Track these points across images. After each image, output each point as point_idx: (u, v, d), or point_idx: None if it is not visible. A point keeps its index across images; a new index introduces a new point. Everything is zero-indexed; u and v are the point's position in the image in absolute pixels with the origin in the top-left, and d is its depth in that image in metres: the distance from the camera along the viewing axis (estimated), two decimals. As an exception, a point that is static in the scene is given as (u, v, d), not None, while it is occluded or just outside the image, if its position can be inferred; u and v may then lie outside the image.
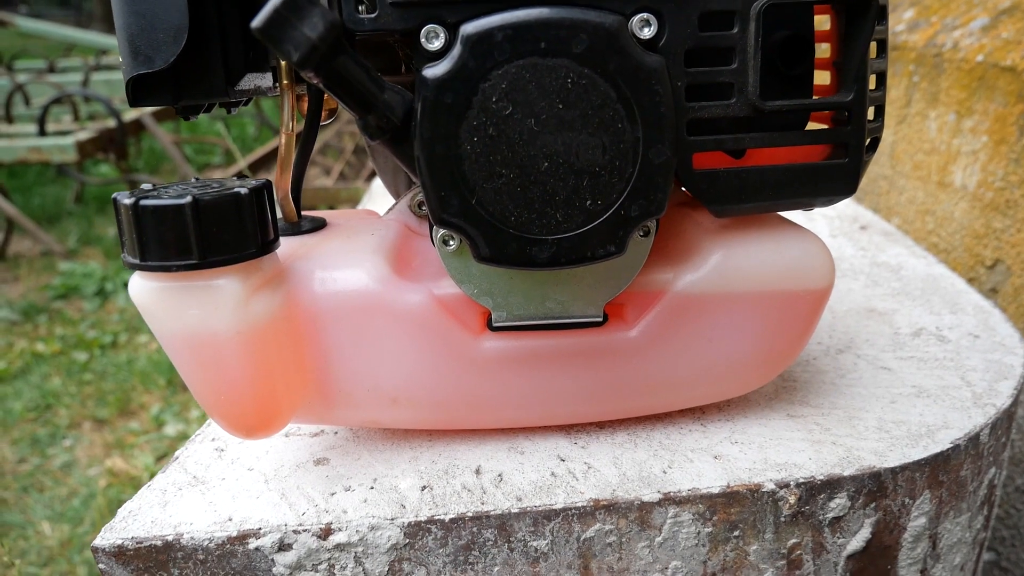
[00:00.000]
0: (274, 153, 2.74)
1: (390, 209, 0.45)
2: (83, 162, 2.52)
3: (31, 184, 3.20)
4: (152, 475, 1.32)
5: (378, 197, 0.96)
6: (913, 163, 0.87)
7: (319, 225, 0.41)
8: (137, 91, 0.34)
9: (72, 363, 1.77)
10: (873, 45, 0.37)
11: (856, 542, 0.39)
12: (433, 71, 0.30)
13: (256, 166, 2.59)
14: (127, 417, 1.56)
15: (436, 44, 0.31)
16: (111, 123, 2.51)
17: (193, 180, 0.35)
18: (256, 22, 0.26)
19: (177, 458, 0.42)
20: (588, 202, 0.32)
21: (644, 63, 0.31)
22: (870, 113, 0.37)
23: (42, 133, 2.38)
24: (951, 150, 0.80)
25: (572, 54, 0.30)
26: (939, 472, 0.39)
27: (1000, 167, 0.73)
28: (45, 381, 1.69)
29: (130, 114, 2.64)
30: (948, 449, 0.39)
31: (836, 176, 0.36)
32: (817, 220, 0.76)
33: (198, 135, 3.66)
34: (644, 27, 0.32)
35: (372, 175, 2.64)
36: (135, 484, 1.31)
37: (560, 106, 0.31)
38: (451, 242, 0.35)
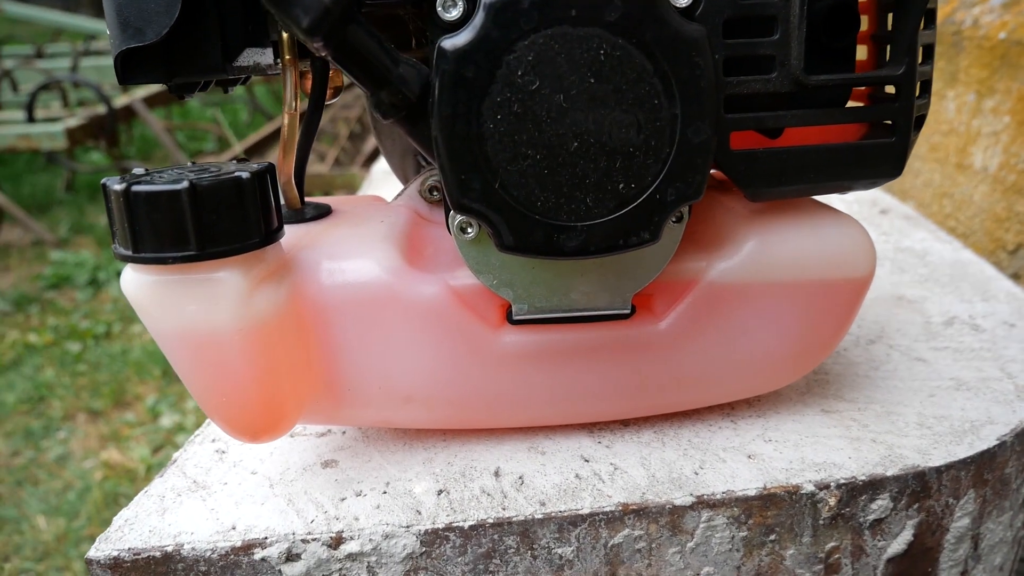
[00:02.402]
0: (268, 139, 2.70)
1: (398, 195, 0.42)
2: (73, 149, 2.48)
3: (20, 172, 3.15)
4: (148, 467, 1.30)
5: (378, 183, 0.93)
6: (930, 145, 0.84)
7: (324, 212, 0.39)
8: (127, 67, 0.31)
9: (65, 354, 1.74)
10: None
11: (897, 545, 0.37)
12: (453, 42, 0.28)
13: (250, 152, 2.55)
14: (122, 408, 1.53)
15: (454, 13, 0.29)
16: (101, 109, 2.46)
17: (190, 164, 0.33)
18: (260, -17, 0.23)
19: (176, 461, 0.39)
20: (620, 185, 0.29)
21: (684, 33, 0.28)
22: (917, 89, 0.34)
23: (31, 120, 2.33)
24: (971, 131, 0.78)
25: (605, 23, 0.27)
26: (984, 470, 0.37)
27: None
28: (38, 372, 1.67)
29: (121, 100, 2.59)
30: (994, 446, 0.37)
31: (881, 157, 0.34)
32: (834, 203, 0.74)
33: (190, 121, 3.61)
34: (680, -6, 0.29)
35: (368, 161, 2.60)
36: (131, 477, 1.28)
37: (591, 80, 0.28)
38: (469, 230, 0.33)
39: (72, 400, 1.55)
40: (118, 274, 2.08)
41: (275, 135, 2.56)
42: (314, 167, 2.70)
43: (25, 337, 1.82)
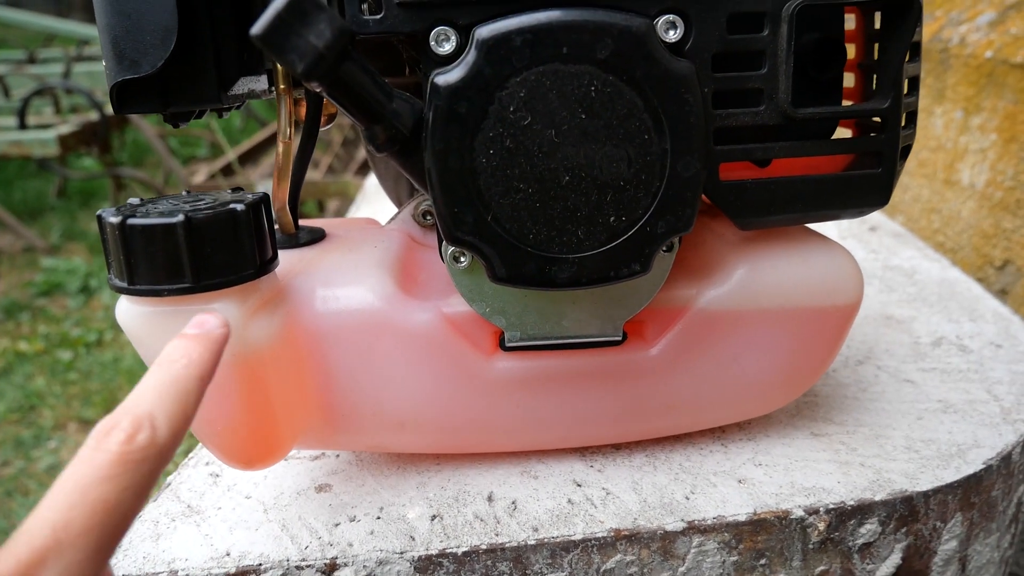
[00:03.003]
0: (261, 146, 2.70)
1: (392, 218, 0.42)
2: (65, 156, 2.47)
3: (12, 178, 3.14)
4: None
5: (372, 197, 0.93)
6: (918, 160, 0.85)
7: (318, 237, 0.39)
8: (122, 97, 0.31)
9: (56, 362, 1.73)
10: (906, 47, 0.35)
11: (886, 568, 0.37)
12: (445, 78, 0.28)
13: (243, 159, 2.54)
14: (114, 418, 1.53)
15: (447, 48, 0.29)
16: (94, 116, 2.45)
17: (184, 193, 0.33)
18: (256, 29, 0.23)
19: (169, 484, 0.39)
20: (612, 218, 0.30)
21: (673, 70, 0.28)
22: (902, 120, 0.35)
23: (22, 126, 2.32)
24: (958, 148, 0.79)
25: (596, 60, 0.28)
26: (971, 494, 0.37)
27: (1010, 166, 0.71)
28: (28, 381, 1.66)
29: (113, 106, 2.58)
30: (981, 470, 0.37)
31: (868, 186, 0.34)
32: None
33: (183, 128, 3.60)
34: (670, 29, 0.30)
35: (361, 169, 2.60)
36: (123, 488, 1.27)
37: (583, 116, 0.28)
38: (462, 259, 0.33)
39: (63, 409, 1.55)
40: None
41: (268, 141, 2.55)
42: (306, 174, 2.69)
43: (16, 345, 1.81)
